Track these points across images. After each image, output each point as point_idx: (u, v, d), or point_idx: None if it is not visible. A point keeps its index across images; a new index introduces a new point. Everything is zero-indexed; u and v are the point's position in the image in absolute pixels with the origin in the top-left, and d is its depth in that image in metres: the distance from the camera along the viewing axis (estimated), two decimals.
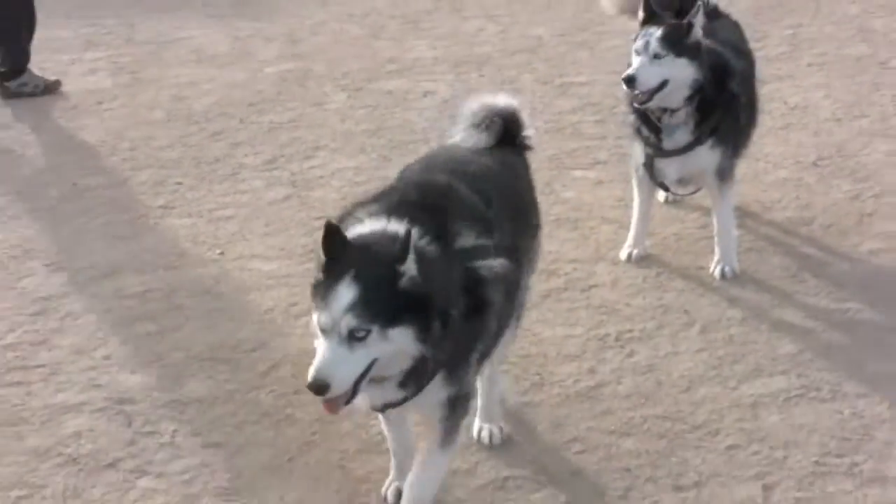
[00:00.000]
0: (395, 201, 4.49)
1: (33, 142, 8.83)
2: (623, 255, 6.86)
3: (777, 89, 8.89)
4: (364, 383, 4.07)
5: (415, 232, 4.15)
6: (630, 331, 6.13)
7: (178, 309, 6.48)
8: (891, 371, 5.72)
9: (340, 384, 3.98)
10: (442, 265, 4.26)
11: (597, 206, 7.45)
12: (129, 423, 5.53)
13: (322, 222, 7.10)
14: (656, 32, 6.29)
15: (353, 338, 3.94)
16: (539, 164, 7.87)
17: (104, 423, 5.56)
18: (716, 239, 6.69)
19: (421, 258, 4.10)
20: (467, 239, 4.44)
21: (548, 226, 7.08)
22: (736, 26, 7.04)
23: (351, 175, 8.05)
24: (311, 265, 6.71)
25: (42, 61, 10.57)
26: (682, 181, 6.70)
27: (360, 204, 4.60)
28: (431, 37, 10.82)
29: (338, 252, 4.10)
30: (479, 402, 5.11)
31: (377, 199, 4.58)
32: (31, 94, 9.98)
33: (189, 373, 5.87)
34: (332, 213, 7.19)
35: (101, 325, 6.39)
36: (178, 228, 7.41)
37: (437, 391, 4.40)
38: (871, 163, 7.80)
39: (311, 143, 8.58)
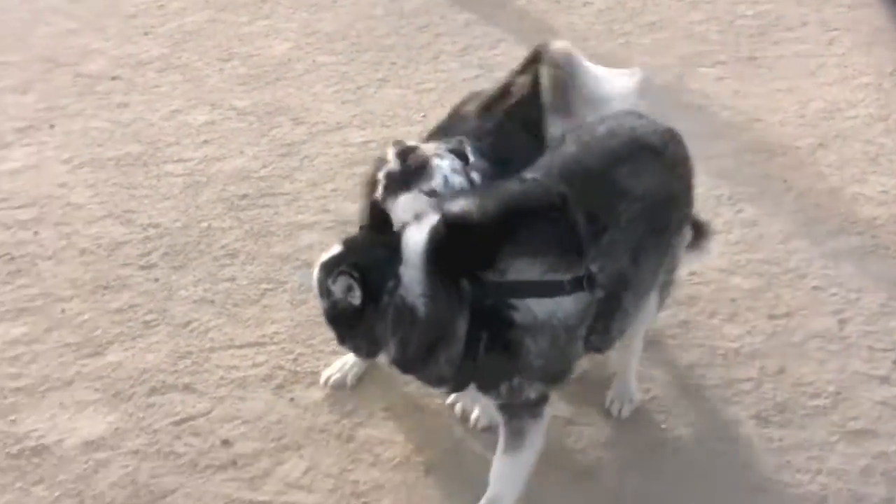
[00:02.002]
0: (474, 208, 3.40)
1: (284, 29, 8.72)
2: None
3: None
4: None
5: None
6: (740, 192, 5.90)
7: None
8: None
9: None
10: (426, 301, 3.27)
11: None
12: None
13: None
14: None
15: None
16: (672, 61, 7.65)
17: (330, 237, 5.51)
18: None
19: (374, 292, 3.27)
20: (519, 273, 3.29)
21: None
22: None
23: None
24: None
25: None
26: None
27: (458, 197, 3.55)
28: None
29: (364, 221, 3.58)
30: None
31: (472, 195, 3.54)
32: None
33: None
34: None
35: (330, 166, 6.35)
36: (391, 97, 7.28)
37: (478, 396, 3.63)
38: None
39: (496, 36, 8.31)
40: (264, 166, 6.38)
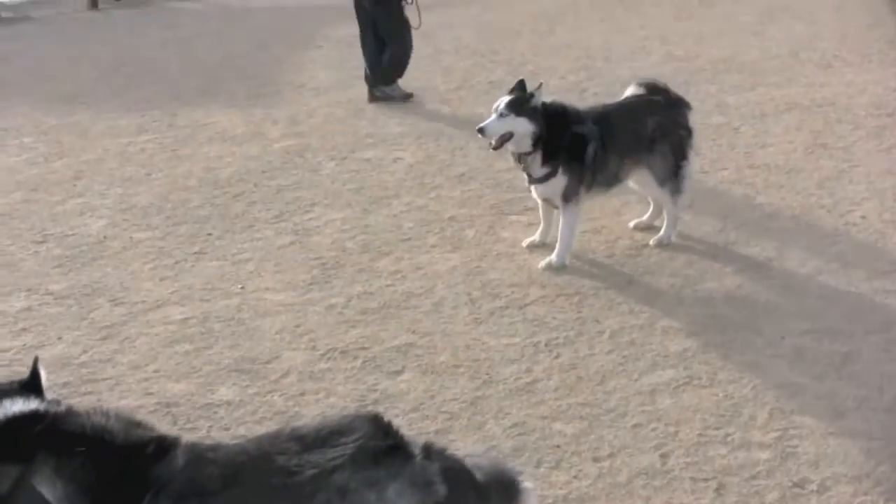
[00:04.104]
0: None
1: (98, 206, 8.67)
2: (525, 243, 7.23)
3: None
4: None
5: None
6: (556, 338, 6.03)
7: (209, 332, 6.34)
8: (754, 361, 5.69)
9: None
10: None
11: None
12: (175, 421, 5.39)
13: (319, 262, 7.12)
14: (505, 99, 6.86)
15: None
16: (483, 211, 7.87)
17: (155, 421, 5.31)
18: (559, 238, 6.95)
19: None
20: (41, 483, 3.04)
21: (491, 259, 7.05)
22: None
23: (339, 224, 7.91)
24: (311, 295, 6.66)
25: (106, 144, 10.47)
26: (545, 200, 7.09)
27: None
28: (399, 116, 10.75)
29: None
30: None
31: None
32: (395, 99, 11.32)
33: (219, 381, 5.74)
34: (326, 255, 7.27)
35: (151, 346, 6.25)
36: (209, 269, 7.26)
37: None
38: (732, 203, 7.75)
39: (308, 200, 8.46)
40: (84, 351, 6.26)
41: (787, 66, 11.84)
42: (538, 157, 6.82)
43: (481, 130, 6.85)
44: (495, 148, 6.89)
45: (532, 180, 6.95)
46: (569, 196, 6.88)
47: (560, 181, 6.84)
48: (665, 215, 7.15)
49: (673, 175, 7.05)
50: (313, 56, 14.37)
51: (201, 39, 16.48)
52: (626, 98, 7.29)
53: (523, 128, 6.74)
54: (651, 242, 7.12)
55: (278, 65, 13.92)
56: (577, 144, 6.85)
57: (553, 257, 6.86)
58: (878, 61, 11.83)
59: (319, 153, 9.72)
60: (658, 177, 7.05)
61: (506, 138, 6.80)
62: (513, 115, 6.75)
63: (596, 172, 6.93)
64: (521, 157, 6.89)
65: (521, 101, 6.79)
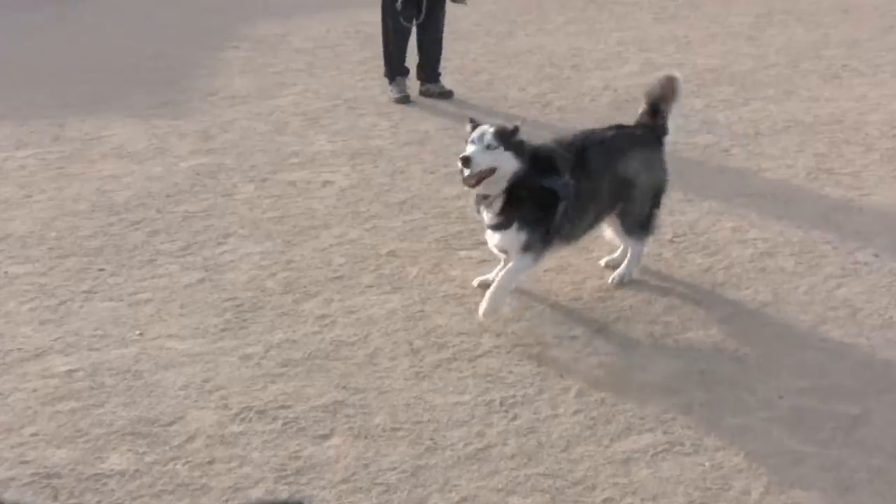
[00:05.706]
0: None
1: None
2: (476, 283, 7.31)
3: None
4: None
5: None
6: (513, 396, 6.03)
7: (100, 387, 6.27)
8: (746, 424, 5.70)
9: None
10: None
11: None
12: (56, 496, 5.31)
13: (233, 304, 7.09)
14: (490, 129, 6.68)
15: None
16: (427, 245, 7.88)
17: (31, 496, 5.37)
18: (493, 285, 6.88)
19: None
20: None
21: (436, 302, 7.05)
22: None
23: (258, 259, 7.88)
24: (223, 343, 6.63)
25: None
26: (500, 249, 7.01)
27: None
28: (330, 132, 10.79)
29: None
30: None
31: None
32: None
33: (111, 447, 5.68)
34: (242, 295, 7.24)
35: (28, 404, 6.16)
36: (100, 311, 7.20)
37: None
38: (721, 238, 7.81)
39: (222, 230, 8.44)
40: None
41: (787, 77, 12.00)
42: (499, 201, 6.72)
43: (466, 160, 6.56)
44: (473, 185, 6.68)
45: (487, 224, 6.89)
46: (528, 250, 6.79)
47: (516, 236, 6.76)
48: (629, 249, 7.20)
49: (645, 224, 7.16)
50: (228, 58, 14.37)
51: (97, 35, 16.46)
52: (607, 132, 7.20)
53: (509, 164, 6.59)
54: (609, 281, 7.16)
55: (187, 68, 13.90)
56: (546, 200, 6.74)
57: (484, 303, 6.79)
58: (893, 73, 12.02)
59: (235, 174, 9.71)
60: (627, 226, 7.12)
61: (486, 174, 6.61)
62: (501, 148, 6.58)
63: (562, 230, 6.88)
64: (482, 198, 6.78)
65: (510, 133, 6.65)
